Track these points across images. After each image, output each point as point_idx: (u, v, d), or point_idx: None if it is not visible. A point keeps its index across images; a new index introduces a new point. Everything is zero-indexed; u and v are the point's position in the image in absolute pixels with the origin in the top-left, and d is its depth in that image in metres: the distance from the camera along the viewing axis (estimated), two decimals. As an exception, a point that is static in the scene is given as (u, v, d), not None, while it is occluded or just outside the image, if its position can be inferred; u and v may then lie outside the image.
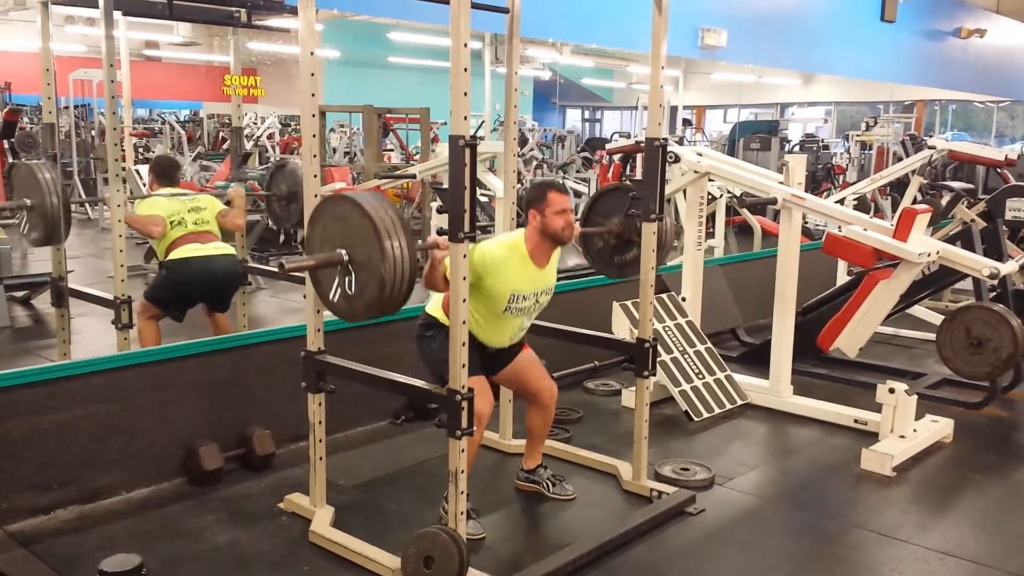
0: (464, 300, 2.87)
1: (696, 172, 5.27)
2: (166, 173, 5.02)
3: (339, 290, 2.98)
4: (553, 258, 3.56)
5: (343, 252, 2.92)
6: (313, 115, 3.19)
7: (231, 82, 5.61)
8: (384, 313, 2.94)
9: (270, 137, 14.76)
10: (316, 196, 3.29)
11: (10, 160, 11.88)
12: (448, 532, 2.93)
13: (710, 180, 5.63)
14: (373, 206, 2.85)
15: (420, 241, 3.08)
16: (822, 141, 16.62)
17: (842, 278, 6.85)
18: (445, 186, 2.88)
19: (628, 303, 4.93)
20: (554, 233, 3.42)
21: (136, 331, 4.71)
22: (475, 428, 3.15)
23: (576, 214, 10.07)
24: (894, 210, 10.31)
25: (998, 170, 8.85)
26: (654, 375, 3.88)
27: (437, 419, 2.96)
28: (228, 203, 5.08)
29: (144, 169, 10.23)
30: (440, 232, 2.93)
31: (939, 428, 4.61)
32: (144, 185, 9.83)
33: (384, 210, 2.86)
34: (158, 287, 4.83)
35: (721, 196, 8.60)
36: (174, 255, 4.73)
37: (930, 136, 13.53)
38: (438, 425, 2.95)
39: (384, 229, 2.81)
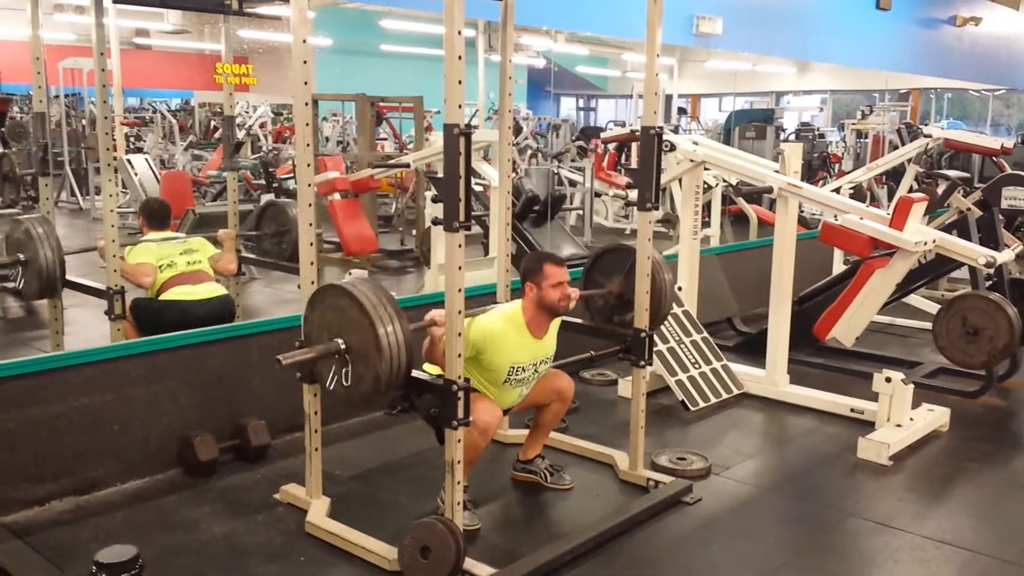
0: (460, 289, 2.85)
1: (692, 161, 5.25)
2: (156, 215, 4.97)
3: (336, 379, 3.01)
4: (551, 328, 3.57)
5: (340, 342, 2.96)
6: (306, 103, 3.17)
7: (223, 70, 5.57)
8: (386, 395, 3.00)
9: (262, 126, 14.72)
10: (310, 185, 3.27)
11: (1, 149, 11.82)
12: (445, 522, 2.92)
13: (706, 169, 5.61)
14: (370, 300, 2.88)
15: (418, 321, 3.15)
16: (818, 130, 16.62)
17: (838, 267, 6.84)
18: (440, 175, 2.85)
19: (624, 292, 4.91)
20: (551, 305, 3.45)
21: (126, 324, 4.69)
22: (481, 436, 3.18)
23: (571, 203, 9.89)
24: (890, 199, 10.32)
25: (994, 159, 8.85)
26: (651, 365, 3.87)
27: (431, 409, 2.97)
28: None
29: (136, 159, 10.20)
30: (435, 222, 2.90)
31: (935, 417, 4.61)
32: (136, 175, 9.81)
33: (380, 301, 2.89)
34: (147, 319, 4.66)
35: (717, 185, 8.59)
36: (166, 296, 4.67)
37: (926, 125, 13.55)
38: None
39: (376, 316, 2.85)
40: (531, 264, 3.50)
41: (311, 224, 3.27)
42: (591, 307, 4.17)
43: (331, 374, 3.02)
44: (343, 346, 2.95)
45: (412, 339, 2.92)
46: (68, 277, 4.80)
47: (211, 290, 4.79)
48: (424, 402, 3.08)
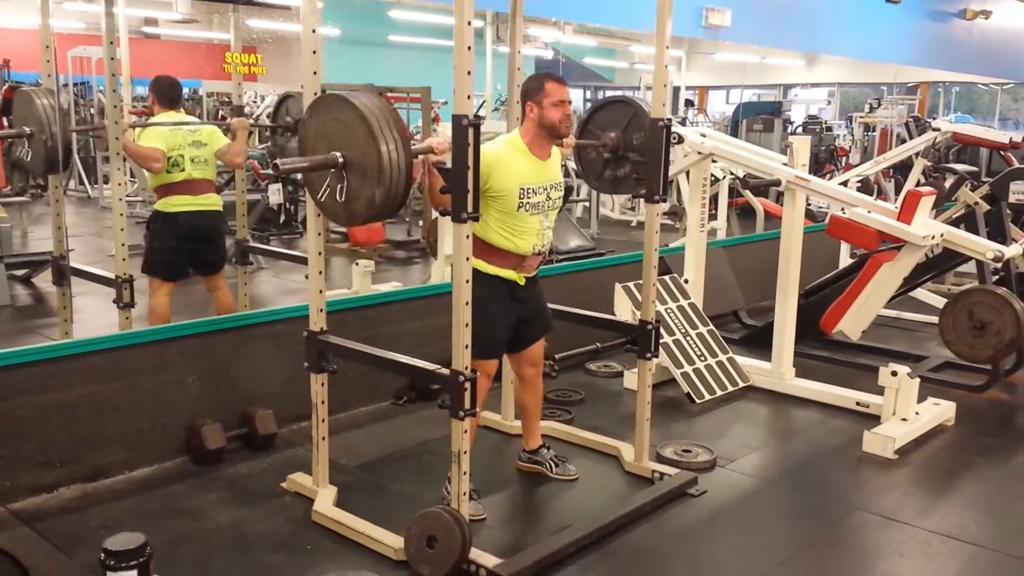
0: (467, 280, 2.86)
1: (700, 153, 5.24)
2: (168, 94, 4.88)
3: (332, 193, 2.94)
4: (554, 154, 3.51)
5: (338, 155, 2.89)
6: (315, 93, 3.17)
7: (232, 60, 5.57)
8: (378, 219, 2.92)
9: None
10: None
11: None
12: (451, 512, 2.94)
13: (713, 161, 5.60)
14: (375, 116, 2.80)
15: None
16: (825, 123, 16.57)
17: (845, 260, 6.83)
18: (448, 166, 2.84)
19: (631, 284, 4.91)
20: (551, 125, 3.36)
21: (147, 308, 4.72)
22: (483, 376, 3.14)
23: (577, 194, 9.93)
24: (897, 192, 10.28)
25: (1002, 153, 8.81)
26: (656, 357, 3.87)
27: (440, 400, 2.95)
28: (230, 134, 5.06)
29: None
30: (443, 213, 2.89)
31: (941, 411, 4.61)
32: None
33: (381, 113, 2.81)
34: (152, 248, 4.80)
35: (724, 178, 8.57)
36: (168, 207, 4.73)
37: (934, 118, 13.48)
38: (441, 406, 2.94)
39: (381, 134, 2.77)
40: (532, 83, 3.40)
41: (319, 215, 3.28)
42: (583, 160, 4.18)
43: (324, 187, 2.94)
44: (341, 160, 2.88)
45: (412, 160, 2.85)
46: (75, 265, 4.83)
47: (209, 202, 4.84)
48: None
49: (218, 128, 5.02)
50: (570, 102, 3.40)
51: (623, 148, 3.90)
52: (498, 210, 3.31)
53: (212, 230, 4.90)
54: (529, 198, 3.35)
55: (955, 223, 5.39)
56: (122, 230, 4.39)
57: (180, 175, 4.70)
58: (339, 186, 2.90)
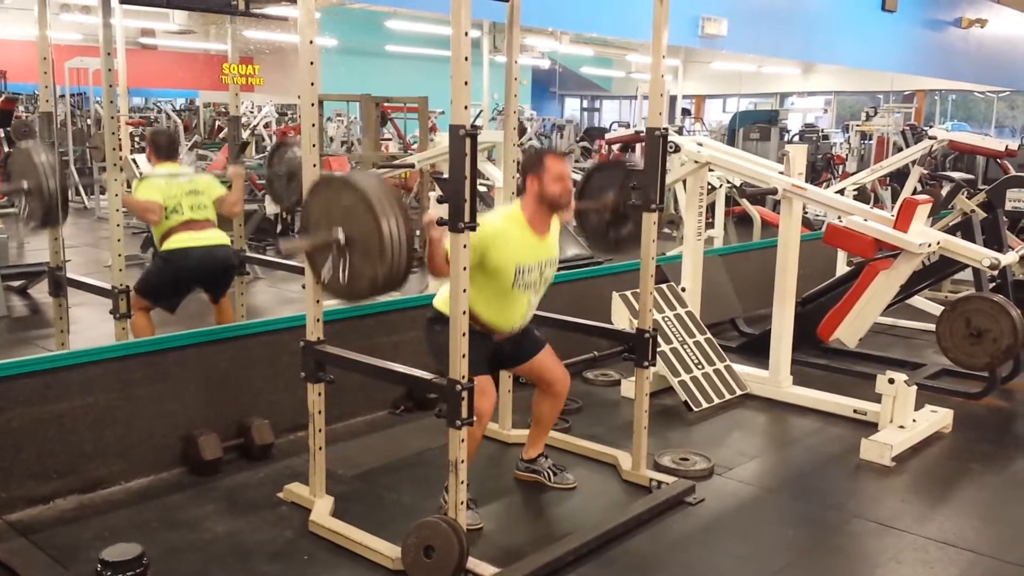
0: (464, 290, 2.86)
1: (696, 162, 5.25)
2: (165, 149, 4.93)
3: (334, 272, 2.96)
4: (553, 228, 3.53)
5: (339, 232, 2.90)
6: (312, 104, 3.18)
7: (229, 71, 5.58)
8: (381, 294, 2.95)
9: (267, 126, 14.72)
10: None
11: (7, 149, 11.84)
12: (449, 522, 2.93)
13: (710, 170, 5.61)
14: (375, 192, 2.82)
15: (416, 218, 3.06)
16: (822, 131, 16.60)
17: (842, 268, 6.84)
18: (445, 176, 2.85)
19: (628, 293, 4.92)
20: (552, 199, 3.39)
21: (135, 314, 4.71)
22: (476, 424, 3.15)
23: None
24: (894, 200, 10.30)
25: (998, 160, 8.84)
26: (654, 365, 3.87)
27: (437, 409, 2.95)
28: (227, 184, 5.06)
29: (141, 158, 10.21)
30: (440, 222, 2.90)
31: (938, 418, 4.61)
32: (140, 174, 9.81)
33: (385, 195, 2.84)
34: (150, 280, 4.76)
35: (721, 186, 8.58)
36: (170, 245, 4.70)
37: (930, 126, 13.50)
38: (438, 415, 2.94)
39: (383, 214, 2.79)
40: (532, 158, 3.45)
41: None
42: (586, 227, 4.17)
43: (329, 267, 2.96)
44: (342, 238, 2.90)
45: (413, 238, 2.88)
46: (72, 276, 4.83)
47: (213, 237, 4.82)
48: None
49: (214, 178, 5.03)
50: (569, 177, 3.44)
51: (622, 208, 3.89)
52: (490, 284, 3.33)
53: (218, 266, 4.87)
54: (523, 277, 3.39)
55: (951, 231, 5.40)
56: (119, 241, 4.40)
57: (179, 219, 4.70)
58: (341, 264, 2.93)
